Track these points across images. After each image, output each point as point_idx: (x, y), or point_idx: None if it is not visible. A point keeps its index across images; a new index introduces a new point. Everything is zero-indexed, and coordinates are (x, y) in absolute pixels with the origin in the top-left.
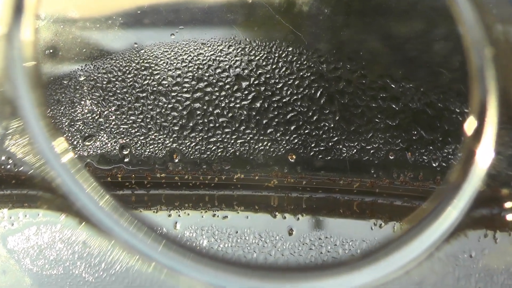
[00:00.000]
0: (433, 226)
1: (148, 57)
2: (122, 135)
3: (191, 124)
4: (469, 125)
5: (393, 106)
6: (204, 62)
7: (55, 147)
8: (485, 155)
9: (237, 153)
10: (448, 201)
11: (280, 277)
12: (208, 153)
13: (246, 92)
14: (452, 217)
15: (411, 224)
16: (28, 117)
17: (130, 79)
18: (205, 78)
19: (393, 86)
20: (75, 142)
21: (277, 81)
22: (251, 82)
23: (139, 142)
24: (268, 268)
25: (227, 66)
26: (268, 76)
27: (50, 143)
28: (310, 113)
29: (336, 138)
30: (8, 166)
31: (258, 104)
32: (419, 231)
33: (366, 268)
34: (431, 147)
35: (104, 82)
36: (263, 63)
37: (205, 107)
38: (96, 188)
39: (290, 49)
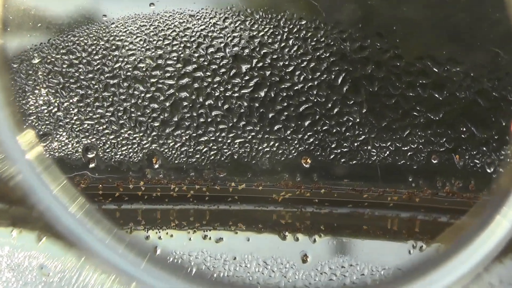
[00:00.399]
0: (478, 241)
1: (120, 33)
2: (87, 134)
3: (175, 119)
4: None
5: (436, 95)
6: (192, 39)
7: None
8: None
9: (235, 156)
10: (497, 210)
11: None
12: (198, 156)
13: (246, 77)
14: (504, 229)
15: (453, 240)
16: None
17: (98, 62)
18: (194, 60)
19: (436, 70)
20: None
21: (286, 63)
22: (253, 64)
23: (109, 142)
24: None
25: (222, 45)
26: (275, 57)
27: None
28: (330, 105)
29: (363, 136)
30: None
31: (262, 93)
32: (461, 247)
33: None
34: (484, 148)
35: (64, 66)
36: (269, 41)
37: (193, 97)
38: (66, 188)
39: (303, 22)
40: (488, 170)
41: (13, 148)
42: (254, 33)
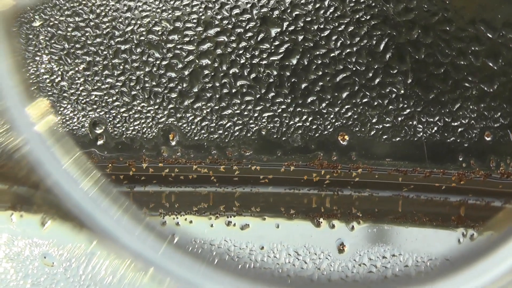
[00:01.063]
0: None
1: None
2: (94, 106)
3: (195, 90)
4: None
5: (490, 64)
6: None
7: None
8: None
9: (263, 132)
10: None
11: None
12: (220, 132)
13: (276, 43)
14: None
15: (506, 226)
16: None
17: (107, 25)
18: (217, 23)
19: (490, 35)
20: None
21: (321, 27)
22: (284, 28)
23: (119, 116)
24: None
25: (248, 6)
26: (308, 19)
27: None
28: (370, 75)
29: (408, 110)
30: None
31: (294, 61)
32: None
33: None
34: None
35: (69, 29)
36: (302, 1)
37: (216, 65)
38: (79, 162)
39: None
40: None
41: (20, 117)
42: None
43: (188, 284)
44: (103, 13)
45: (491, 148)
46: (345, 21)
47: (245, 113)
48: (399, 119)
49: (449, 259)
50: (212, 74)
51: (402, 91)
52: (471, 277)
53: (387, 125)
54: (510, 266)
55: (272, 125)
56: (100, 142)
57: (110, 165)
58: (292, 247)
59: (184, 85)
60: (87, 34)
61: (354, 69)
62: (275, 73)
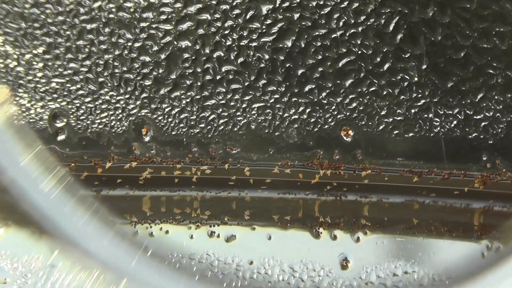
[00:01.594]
0: None
1: None
2: (55, 96)
3: (172, 77)
4: None
5: None
6: None
7: None
8: None
9: (252, 127)
10: None
11: None
12: (202, 126)
13: (268, 21)
14: None
15: None
16: None
17: (70, 1)
18: None
19: None
20: None
21: (321, 3)
22: (277, 4)
23: (84, 107)
24: None
25: None
26: None
27: None
28: (378, 59)
29: (423, 101)
30: None
31: (288, 43)
32: None
33: None
34: None
35: (27, 6)
36: None
37: (197, 48)
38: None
39: None
40: None
41: None
42: None
43: None
44: None
45: None
46: None
47: (232, 103)
48: (413, 111)
49: (471, 277)
50: (193, 58)
51: (416, 79)
52: None
53: (399, 118)
54: None
55: (263, 118)
56: (61, 138)
57: (72, 164)
58: (287, 262)
59: (160, 71)
60: (47, 11)
61: (358, 53)
62: (266, 57)
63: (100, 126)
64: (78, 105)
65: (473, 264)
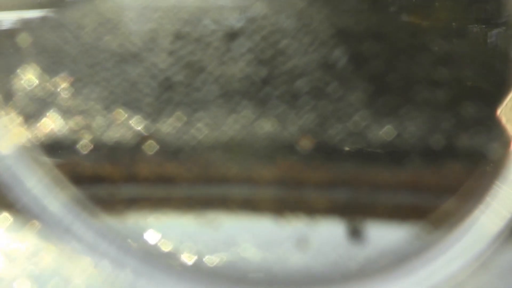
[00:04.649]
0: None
1: None
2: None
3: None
4: None
5: None
6: None
7: None
8: None
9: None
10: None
11: None
12: (190, 137)
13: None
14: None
15: (449, 224)
16: None
17: None
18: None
19: None
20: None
21: None
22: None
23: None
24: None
25: None
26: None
27: None
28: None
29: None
30: None
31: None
32: (461, 232)
33: (401, 283)
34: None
35: None
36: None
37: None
38: (46, 185)
39: None
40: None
41: None
42: None
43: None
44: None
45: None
46: None
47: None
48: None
49: (404, 253)
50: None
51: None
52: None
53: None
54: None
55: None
56: (79, 147)
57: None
58: (257, 244)
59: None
60: None
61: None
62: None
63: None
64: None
65: (406, 242)
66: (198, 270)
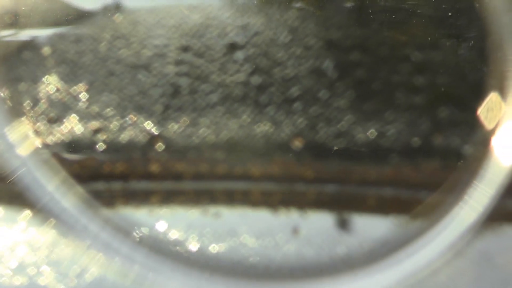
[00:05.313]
0: (457, 218)
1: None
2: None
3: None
4: None
5: None
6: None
7: (13, 133)
8: None
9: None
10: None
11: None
12: (194, 138)
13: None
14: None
15: (429, 216)
16: None
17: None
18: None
19: None
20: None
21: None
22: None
23: (113, 125)
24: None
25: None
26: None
27: (7, 128)
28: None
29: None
30: None
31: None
32: (440, 224)
33: (386, 270)
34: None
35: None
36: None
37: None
38: (66, 182)
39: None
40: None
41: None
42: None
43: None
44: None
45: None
46: None
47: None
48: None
49: (387, 241)
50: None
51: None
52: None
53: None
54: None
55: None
56: (98, 147)
57: (105, 165)
58: (254, 233)
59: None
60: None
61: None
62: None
63: (124, 139)
64: (109, 123)
65: (388, 232)
66: (203, 256)
